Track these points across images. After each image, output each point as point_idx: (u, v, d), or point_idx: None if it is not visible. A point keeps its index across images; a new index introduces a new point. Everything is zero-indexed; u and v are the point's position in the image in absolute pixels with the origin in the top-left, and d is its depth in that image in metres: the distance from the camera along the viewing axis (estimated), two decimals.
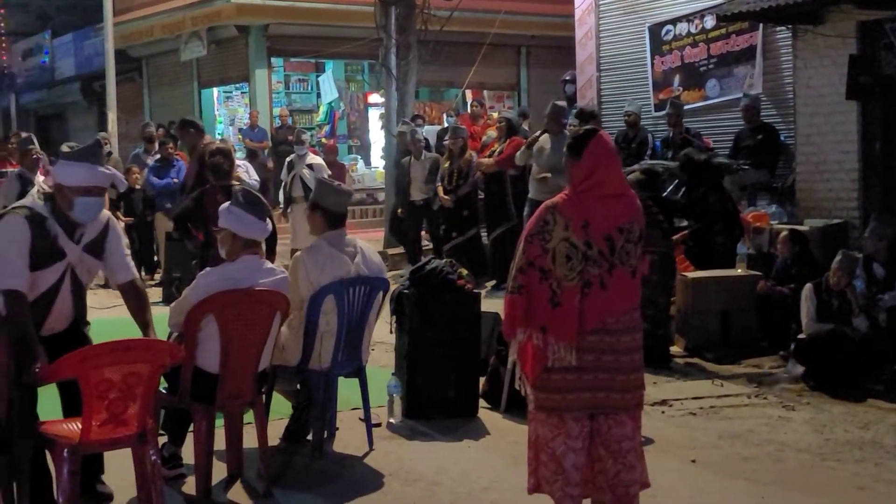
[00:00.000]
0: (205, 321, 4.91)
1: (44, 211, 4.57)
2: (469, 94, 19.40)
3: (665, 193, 9.72)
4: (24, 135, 11.15)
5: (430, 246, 12.56)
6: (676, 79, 12.78)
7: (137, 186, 12.97)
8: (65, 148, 5.10)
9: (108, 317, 8.34)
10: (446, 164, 11.90)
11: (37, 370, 4.40)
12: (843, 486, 5.36)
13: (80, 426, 4.36)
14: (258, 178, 12.10)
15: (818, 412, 6.78)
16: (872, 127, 10.19)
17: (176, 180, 12.30)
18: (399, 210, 12.80)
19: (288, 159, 13.09)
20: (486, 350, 6.98)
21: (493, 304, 8.03)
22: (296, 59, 20.00)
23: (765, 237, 9.77)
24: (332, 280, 5.59)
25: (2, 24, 27.66)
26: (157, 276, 12.95)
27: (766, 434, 6.27)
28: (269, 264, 5.23)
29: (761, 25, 11.48)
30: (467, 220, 11.77)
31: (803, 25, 10.54)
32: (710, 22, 12.19)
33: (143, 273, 11.90)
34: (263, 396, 5.50)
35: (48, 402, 4.77)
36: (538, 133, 10.96)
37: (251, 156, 14.62)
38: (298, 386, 5.98)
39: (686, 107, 12.03)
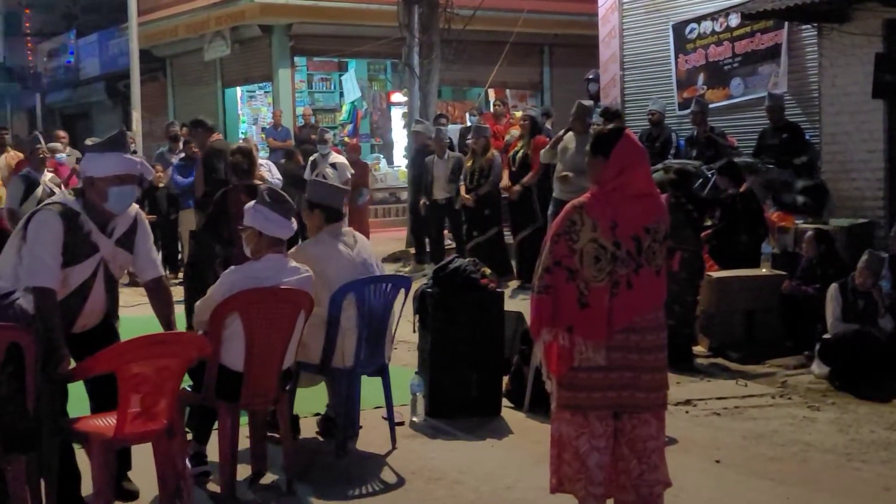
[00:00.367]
0: (229, 319, 4.92)
1: (76, 206, 4.61)
2: (492, 93, 19.39)
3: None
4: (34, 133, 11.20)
5: (453, 245, 12.56)
6: (700, 77, 12.72)
7: (161, 185, 13.05)
8: (89, 142, 5.14)
9: (131, 315, 8.38)
10: (469, 164, 11.89)
11: (62, 367, 4.45)
12: (868, 486, 5.33)
13: (112, 421, 4.41)
14: (280, 177, 12.14)
15: (843, 412, 6.74)
16: None
17: None
18: (422, 201, 12.72)
19: (311, 158, 13.15)
20: (509, 349, 6.97)
21: (516, 304, 8.05)
22: (319, 59, 20.06)
23: (790, 237, 9.72)
24: (337, 269, 5.61)
25: (27, 25, 27.88)
26: (181, 274, 13.01)
27: (790, 434, 6.24)
28: (293, 263, 5.24)
29: (786, 24, 11.42)
30: (488, 220, 11.75)
31: (829, 24, 10.49)
32: (734, 20, 12.13)
33: (167, 271, 11.96)
34: (287, 395, 5.52)
35: (73, 400, 4.80)
36: (562, 132, 10.92)
37: (288, 156, 14.65)
38: None
39: (710, 105, 11.98)
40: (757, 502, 5.06)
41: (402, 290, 6.03)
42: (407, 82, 15.72)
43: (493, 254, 11.12)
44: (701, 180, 10.20)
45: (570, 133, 10.54)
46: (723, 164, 9.63)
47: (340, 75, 20.44)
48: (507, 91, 20.45)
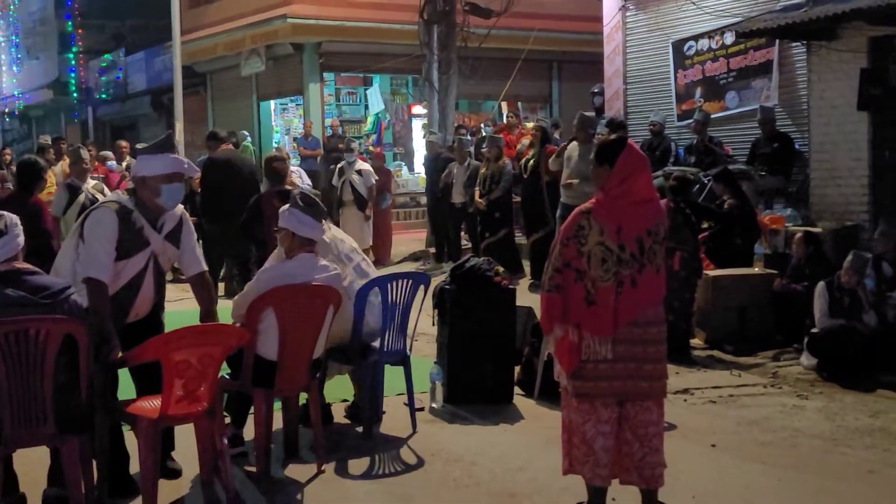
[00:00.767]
0: (265, 313, 4.94)
1: (129, 204, 4.67)
2: (505, 105, 19.36)
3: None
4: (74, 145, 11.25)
5: (469, 245, 12.57)
6: (698, 91, 12.69)
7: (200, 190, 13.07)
8: (139, 146, 5.19)
9: (174, 309, 8.40)
10: (483, 171, 11.89)
11: (113, 355, 4.48)
12: (854, 470, 5.30)
13: (158, 404, 4.44)
14: (310, 183, 12.17)
15: (830, 401, 6.71)
16: (882, 136, 10.06)
17: None
18: (442, 183, 12.72)
19: (339, 166, 13.17)
20: (520, 341, 6.97)
21: (527, 300, 8.04)
22: (346, 74, 20.08)
23: (780, 238, 9.69)
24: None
25: (80, 44, 28.03)
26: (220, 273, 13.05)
27: (781, 421, 6.21)
28: (323, 261, 5.26)
29: (777, 41, 11.37)
30: (499, 222, 11.75)
31: (817, 41, 10.43)
32: (729, 38, 12.10)
33: None
34: (317, 382, 5.53)
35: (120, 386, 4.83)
36: (566, 142, 10.89)
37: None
38: None
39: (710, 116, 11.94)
40: (750, 484, 5.03)
41: (422, 287, 6.03)
42: (427, 96, 15.72)
43: (505, 254, 11.12)
44: (698, 186, 10.19)
45: (574, 142, 10.52)
46: (718, 171, 9.62)
47: (366, 89, 20.46)
48: (519, 103, 20.40)
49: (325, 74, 19.49)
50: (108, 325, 4.49)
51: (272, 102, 21.23)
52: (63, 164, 12.16)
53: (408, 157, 20.46)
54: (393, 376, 6.11)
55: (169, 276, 9.27)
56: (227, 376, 5.09)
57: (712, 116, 12.04)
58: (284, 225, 5.13)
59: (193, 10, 21.55)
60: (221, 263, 9.11)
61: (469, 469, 5.26)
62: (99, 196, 8.27)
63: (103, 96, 26.86)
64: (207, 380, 4.50)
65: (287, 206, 5.19)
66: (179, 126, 17.84)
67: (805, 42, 10.74)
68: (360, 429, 5.90)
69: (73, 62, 28.09)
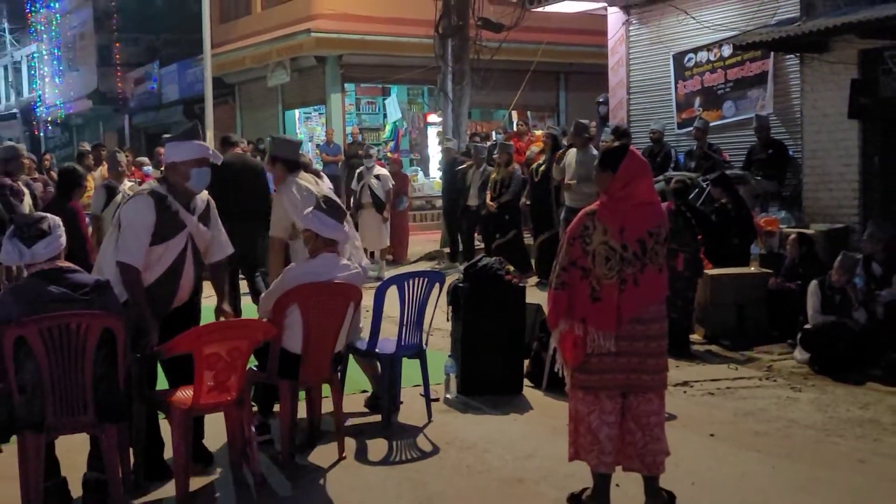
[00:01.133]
0: (290, 309, 4.95)
1: (162, 190, 4.70)
2: (515, 114, 19.34)
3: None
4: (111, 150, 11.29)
5: (482, 245, 12.57)
6: (697, 100, 12.65)
7: None
8: (166, 136, 5.23)
9: (204, 305, 8.43)
10: (494, 175, 11.89)
11: (150, 345, 4.50)
12: (845, 458, 5.27)
13: (190, 394, 4.46)
14: (332, 186, 12.13)
15: (822, 393, 6.67)
16: (871, 143, 10.02)
17: None
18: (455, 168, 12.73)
19: (358, 171, 13.17)
20: (529, 336, 6.96)
21: (536, 297, 8.03)
22: (365, 85, 20.09)
23: (775, 239, 9.65)
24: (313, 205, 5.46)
25: (118, 56, 28.16)
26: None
27: (776, 412, 6.18)
28: (344, 260, 5.26)
29: (772, 54, 11.33)
30: (508, 224, 11.77)
31: (810, 54, 10.40)
32: (727, 51, 12.07)
33: None
34: (339, 374, 5.54)
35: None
36: (563, 150, 10.98)
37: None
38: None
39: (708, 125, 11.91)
40: (746, 471, 5.01)
41: (438, 285, 6.03)
42: (441, 105, 15.72)
43: (515, 254, 11.11)
44: (697, 190, 10.15)
45: (572, 150, 10.57)
46: (716, 176, 9.58)
47: (384, 99, 20.47)
48: (528, 112, 20.37)
49: (346, 85, 19.52)
50: (146, 314, 4.51)
51: (296, 111, 21.27)
52: (102, 169, 12.19)
53: (423, 163, 20.46)
54: (410, 369, 6.12)
55: None
56: (254, 368, 5.10)
57: (711, 125, 12.00)
58: (308, 226, 5.14)
59: (223, 25, 21.64)
60: (241, 265, 9.04)
61: (481, 456, 5.26)
62: None
63: (138, 105, 26.97)
64: (236, 371, 4.51)
65: (311, 208, 5.20)
66: (210, 134, 17.86)
67: (798, 54, 10.71)
68: (378, 418, 5.90)
69: (111, 74, 28.24)
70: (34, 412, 4.06)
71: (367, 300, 5.62)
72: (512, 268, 6.88)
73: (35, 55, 34.59)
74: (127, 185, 9.23)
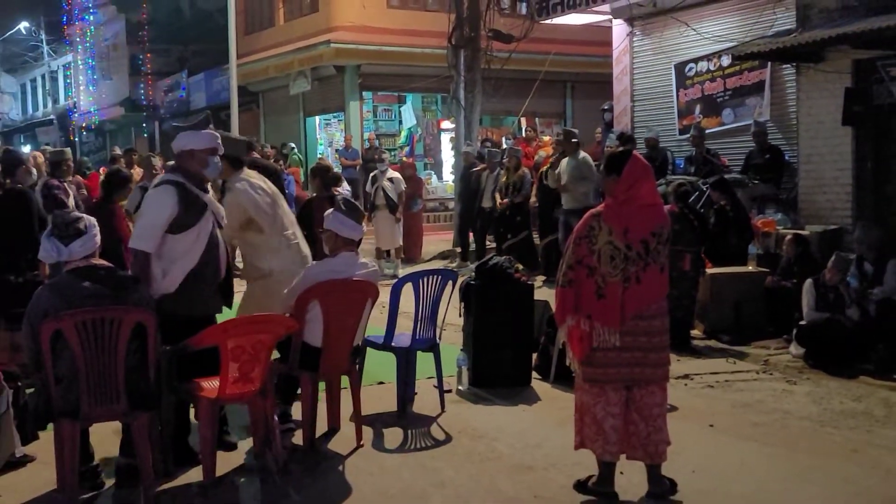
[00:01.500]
0: (311, 305, 4.95)
1: (179, 178, 4.68)
2: (524, 120, 19.32)
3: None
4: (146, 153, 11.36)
5: (493, 245, 12.56)
6: (697, 108, 12.59)
7: None
8: (175, 124, 5.20)
9: None
10: (504, 179, 11.91)
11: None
12: (839, 448, 5.23)
13: (216, 384, 4.46)
14: (349, 188, 12.15)
15: (817, 386, 6.63)
16: (864, 149, 9.96)
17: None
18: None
19: (372, 174, 13.19)
20: (537, 331, 6.95)
21: (543, 294, 8.02)
22: (382, 93, 20.12)
23: (772, 240, 9.60)
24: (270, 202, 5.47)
25: (149, 66, 28.28)
26: None
27: (772, 404, 6.15)
28: (363, 259, 5.26)
29: (769, 64, 11.26)
30: (519, 225, 11.77)
31: (806, 63, 10.34)
32: (726, 60, 12.00)
33: None
34: (357, 367, 5.54)
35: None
36: (555, 158, 11.12)
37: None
38: None
39: (706, 131, 11.86)
40: (744, 460, 4.99)
41: (450, 282, 6.02)
42: (454, 112, 15.72)
43: (524, 253, 11.10)
44: (697, 193, 10.11)
45: (564, 158, 10.69)
46: (715, 180, 9.54)
47: (400, 106, 20.48)
48: (537, 119, 20.36)
49: (363, 93, 19.55)
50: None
51: (317, 118, 21.32)
52: (135, 172, 12.26)
53: (437, 167, 20.47)
54: (424, 362, 6.11)
55: None
56: (277, 360, 5.10)
57: (710, 131, 11.96)
58: (329, 227, 5.14)
59: (248, 36, 21.70)
60: None
61: (491, 444, 5.25)
62: None
63: (168, 112, 27.07)
64: (260, 364, 4.51)
65: (331, 209, 5.20)
66: None
67: (794, 64, 10.65)
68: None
69: (142, 83, 28.36)
70: (70, 401, 4.08)
71: (384, 297, 5.61)
72: (521, 266, 6.86)
73: (70, 65, 34.79)
74: None
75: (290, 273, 5.25)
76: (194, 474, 4.60)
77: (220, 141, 4.85)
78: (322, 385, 5.28)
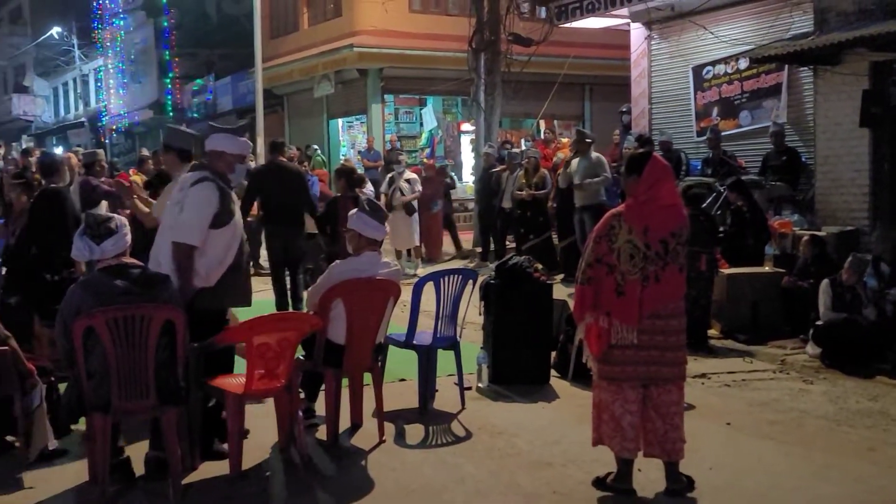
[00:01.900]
0: (335, 303, 4.98)
1: (213, 176, 4.74)
2: (542, 123, 19.27)
3: (705, 204, 9.59)
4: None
5: (513, 245, 12.54)
6: (715, 110, 12.51)
7: None
8: (211, 124, 5.24)
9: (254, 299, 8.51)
10: (522, 180, 11.91)
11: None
12: (855, 447, 5.19)
13: (243, 380, 4.49)
14: (373, 190, 12.17)
15: (833, 386, 6.58)
16: (881, 150, 9.86)
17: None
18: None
19: (389, 175, 13.20)
20: (556, 329, 6.94)
21: (562, 293, 8.00)
22: (404, 96, 20.15)
23: (788, 241, 9.52)
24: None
25: (177, 70, 28.48)
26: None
27: (789, 403, 6.10)
28: (385, 259, 5.27)
29: (787, 66, 11.18)
30: (542, 225, 11.76)
31: (823, 66, 10.25)
32: (743, 63, 11.92)
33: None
34: (379, 363, 5.55)
35: None
36: (568, 158, 11.21)
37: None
38: None
39: (723, 133, 11.80)
40: (761, 458, 4.96)
41: (471, 281, 6.02)
42: (474, 114, 15.69)
43: (543, 253, 11.09)
44: (714, 194, 10.05)
45: (575, 158, 10.75)
46: (732, 182, 9.47)
47: (421, 109, 20.50)
48: (555, 121, 20.29)
49: (385, 96, 19.58)
50: (190, 286, 4.55)
51: (340, 120, 21.37)
52: None
53: (457, 169, 20.44)
54: (445, 360, 6.11)
55: (251, 271, 9.41)
56: (301, 357, 5.13)
57: (727, 133, 11.90)
58: (353, 226, 5.16)
59: (273, 40, 21.79)
60: (284, 260, 8.98)
61: (511, 441, 5.25)
62: None
63: (195, 115, 27.26)
64: (285, 360, 4.54)
65: (355, 210, 5.22)
66: (260, 141, 18.03)
67: (812, 67, 10.56)
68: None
69: (170, 86, 28.57)
70: (101, 396, 4.12)
71: (406, 295, 5.62)
72: (540, 266, 6.85)
73: (101, 69, 35.09)
74: None
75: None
76: (221, 467, 4.61)
77: (249, 149, 4.92)
78: (345, 381, 5.30)
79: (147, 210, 5.72)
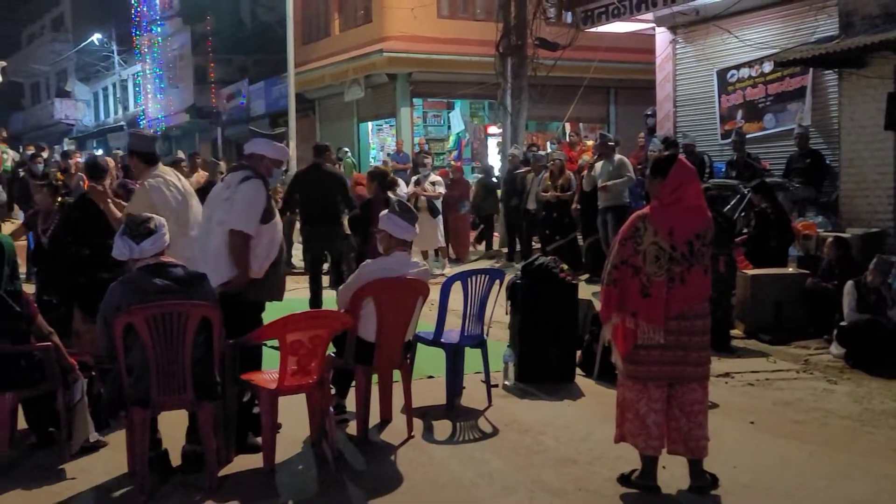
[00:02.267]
0: (365, 301, 4.99)
1: (256, 175, 4.90)
2: (568, 126, 19.21)
3: (729, 206, 9.52)
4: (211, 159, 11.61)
5: (538, 245, 12.51)
6: (739, 113, 12.41)
7: None
8: (251, 128, 5.38)
9: (287, 297, 8.55)
10: (547, 182, 11.89)
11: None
12: (879, 447, 5.12)
13: (276, 376, 4.52)
14: (405, 191, 12.20)
15: (857, 386, 6.49)
16: None
17: None
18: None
19: (414, 178, 13.23)
20: (581, 329, 6.91)
21: (587, 293, 7.97)
22: (432, 100, 20.21)
23: (812, 242, 9.42)
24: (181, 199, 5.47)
25: (212, 75, 28.73)
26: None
27: (812, 403, 6.03)
28: (415, 259, 5.28)
29: (811, 69, 11.05)
30: (567, 226, 11.74)
31: (848, 69, 10.12)
32: (767, 67, 11.81)
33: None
34: (408, 361, 5.56)
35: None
36: (591, 161, 11.22)
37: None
38: None
39: (747, 136, 11.70)
40: (784, 456, 4.90)
41: (498, 281, 6.02)
42: (501, 118, 15.70)
43: (569, 254, 11.06)
44: (738, 196, 9.97)
45: (599, 162, 10.79)
46: (757, 184, 9.39)
47: (449, 112, 20.53)
48: (580, 124, 20.21)
49: (414, 100, 19.65)
50: (246, 279, 4.71)
51: (370, 124, 21.47)
52: (197, 175, 12.49)
53: (484, 171, 20.42)
54: (472, 358, 6.11)
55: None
56: (333, 354, 5.16)
57: (752, 136, 11.81)
58: (383, 227, 5.18)
59: (305, 46, 21.94)
60: (321, 259, 9.09)
61: (537, 438, 5.24)
62: None
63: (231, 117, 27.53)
64: (317, 357, 4.57)
65: (386, 211, 5.24)
66: (293, 144, 18.15)
67: (836, 70, 10.43)
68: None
69: (206, 91, 28.84)
70: (141, 390, 4.17)
71: (434, 295, 5.63)
72: (566, 266, 6.83)
73: (139, 74, 35.52)
74: None
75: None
76: (255, 461, 4.65)
77: (287, 156, 5.03)
78: (375, 378, 5.32)
79: (119, 215, 5.74)
